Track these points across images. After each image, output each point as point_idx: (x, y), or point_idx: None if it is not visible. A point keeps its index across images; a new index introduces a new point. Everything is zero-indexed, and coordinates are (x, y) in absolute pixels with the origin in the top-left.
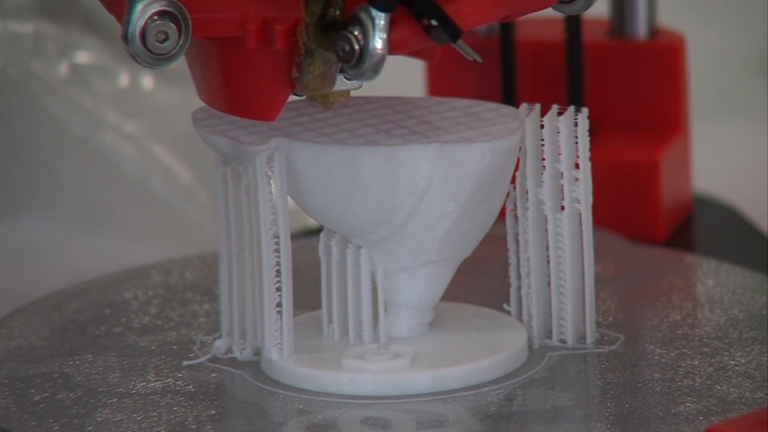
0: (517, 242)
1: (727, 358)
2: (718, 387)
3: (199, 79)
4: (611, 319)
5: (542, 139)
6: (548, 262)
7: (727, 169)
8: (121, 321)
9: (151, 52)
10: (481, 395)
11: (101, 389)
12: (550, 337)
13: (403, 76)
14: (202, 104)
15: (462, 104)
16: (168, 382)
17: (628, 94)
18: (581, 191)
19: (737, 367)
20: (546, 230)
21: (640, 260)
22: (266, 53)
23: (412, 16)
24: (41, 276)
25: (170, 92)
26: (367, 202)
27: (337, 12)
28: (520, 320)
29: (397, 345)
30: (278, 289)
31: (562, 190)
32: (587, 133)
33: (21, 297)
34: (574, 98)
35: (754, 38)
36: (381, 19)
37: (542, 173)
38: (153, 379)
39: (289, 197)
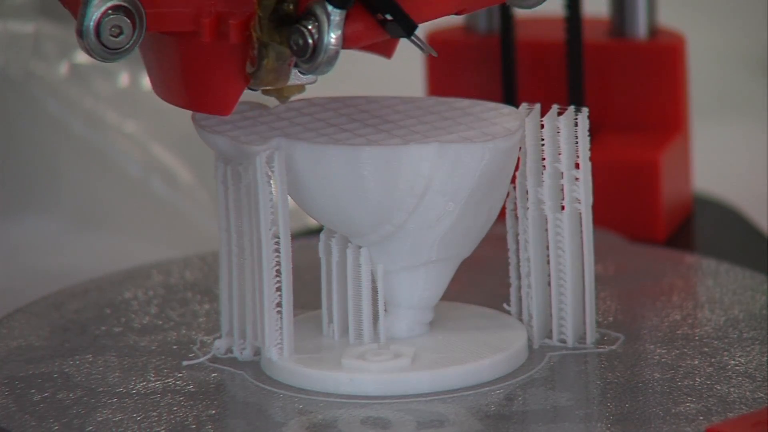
0: (517, 242)
1: (727, 358)
2: (718, 387)
3: (154, 74)
4: (611, 319)
5: (542, 139)
6: (548, 262)
7: (727, 169)
8: (121, 321)
9: (105, 46)
10: (481, 395)
11: (101, 389)
12: (550, 337)
13: (403, 76)
14: None
15: (462, 104)
16: (168, 382)
17: (628, 94)
18: (581, 191)
19: (737, 367)
20: (546, 230)
21: (640, 260)
22: (220, 47)
23: (366, 11)
24: (41, 276)
25: None
26: (367, 202)
27: (291, 6)
28: (520, 320)
29: (397, 345)
30: (278, 289)
31: (562, 190)
32: (587, 133)
33: (21, 297)
34: (574, 98)
35: (754, 38)
36: (336, 15)
37: (542, 173)
38: (153, 379)
39: (289, 197)
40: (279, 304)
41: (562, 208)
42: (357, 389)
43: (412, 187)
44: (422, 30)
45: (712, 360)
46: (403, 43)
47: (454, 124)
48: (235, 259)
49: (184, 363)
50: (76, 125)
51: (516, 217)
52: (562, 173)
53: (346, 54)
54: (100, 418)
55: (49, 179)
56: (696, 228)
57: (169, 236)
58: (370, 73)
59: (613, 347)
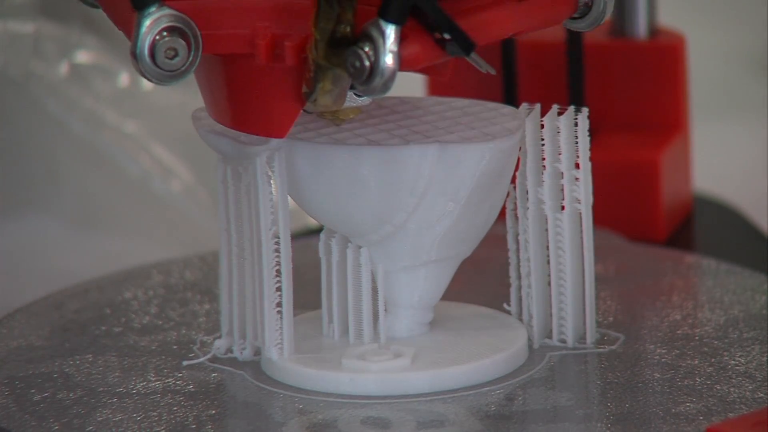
0: (517, 242)
1: (727, 358)
2: (718, 387)
3: (208, 96)
4: (611, 319)
5: (542, 139)
6: (548, 262)
7: (727, 169)
8: (121, 321)
9: (161, 68)
10: (481, 395)
11: (101, 389)
12: (550, 337)
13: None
14: (203, 104)
15: (462, 104)
16: (168, 382)
17: (628, 94)
18: (581, 191)
19: (737, 367)
20: (546, 230)
21: (640, 260)
22: (276, 69)
23: (422, 33)
24: (41, 276)
25: (170, 92)
26: (367, 202)
27: (348, 28)
28: (520, 320)
29: (397, 345)
30: (278, 289)
31: (562, 190)
32: (587, 133)
33: (21, 297)
34: (574, 98)
35: (754, 38)
36: (391, 33)
37: (542, 173)
38: (153, 379)
39: (289, 197)
40: (279, 304)
41: (562, 208)
42: (357, 389)
43: (412, 187)
44: None
45: (712, 360)
46: None
47: (454, 124)
48: (235, 259)
49: (184, 363)
50: (76, 125)
51: (516, 217)
52: (562, 173)
53: None
54: (100, 418)
55: (49, 179)
56: (696, 228)
57: (169, 236)
58: None
59: (613, 347)
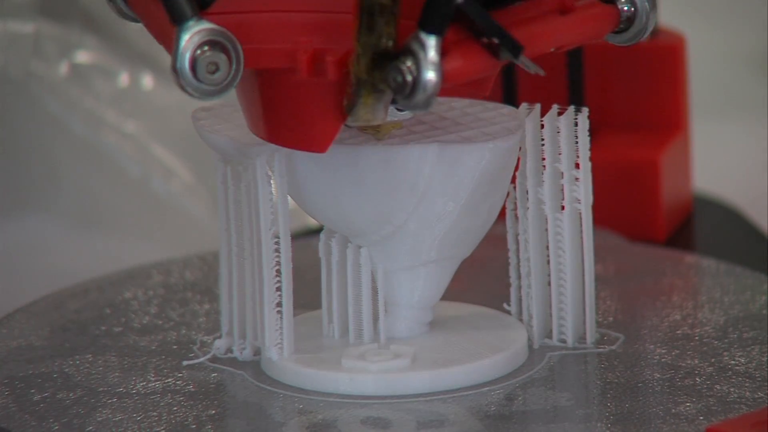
0: (517, 242)
1: (727, 358)
2: (718, 387)
3: (248, 110)
4: (611, 319)
5: (542, 139)
6: (548, 262)
7: (727, 169)
8: (121, 321)
9: (202, 83)
10: (481, 395)
11: (101, 389)
12: (550, 337)
13: None
14: (202, 104)
15: (461, 104)
16: (168, 382)
17: (628, 94)
18: (581, 191)
19: (737, 367)
20: (546, 230)
21: (640, 260)
22: (317, 84)
23: (465, 46)
24: (41, 276)
25: (170, 92)
26: (367, 202)
27: (390, 43)
28: (520, 320)
29: (397, 345)
30: (278, 289)
31: (562, 190)
32: (587, 133)
33: (21, 297)
34: (574, 98)
35: (754, 38)
36: (432, 44)
37: (542, 173)
38: (153, 379)
39: (289, 197)
40: (279, 304)
41: (562, 208)
42: (357, 389)
43: (412, 187)
44: None
45: (712, 360)
46: None
47: (453, 123)
48: (235, 259)
49: (184, 363)
50: (76, 125)
51: (516, 217)
52: (562, 173)
53: None
54: (100, 418)
55: (49, 179)
56: (696, 228)
57: (169, 236)
58: None
59: (613, 347)
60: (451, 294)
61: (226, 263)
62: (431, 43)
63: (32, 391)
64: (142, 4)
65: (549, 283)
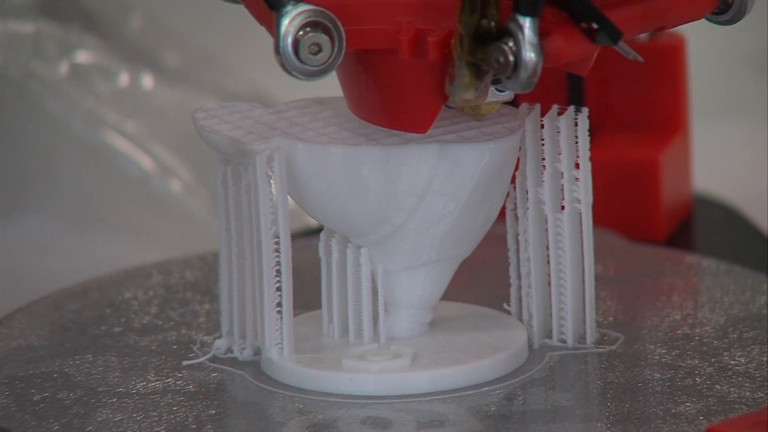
0: (517, 242)
1: (727, 358)
2: (718, 387)
3: (349, 92)
4: (611, 319)
5: (542, 139)
6: (548, 262)
7: (727, 169)
8: (121, 321)
9: (306, 64)
10: (481, 395)
11: (101, 389)
12: (550, 336)
13: None
14: (202, 104)
15: None
16: (168, 382)
17: (628, 94)
18: (581, 191)
19: (737, 367)
20: (546, 230)
21: (640, 260)
22: (419, 65)
23: (567, 27)
24: (41, 276)
25: (170, 92)
26: (367, 202)
27: (492, 23)
28: (520, 320)
29: (397, 345)
30: (278, 289)
31: (562, 189)
32: (587, 133)
33: (21, 297)
34: (574, 98)
35: (754, 38)
36: (529, 25)
37: (542, 173)
38: (153, 379)
39: (289, 197)
40: (279, 304)
41: (562, 208)
42: (357, 389)
43: (412, 187)
44: None
45: (712, 360)
46: None
47: (453, 123)
48: (235, 259)
49: (184, 363)
50: (76, 125)
51: (516, 217)
52: (562, 173)
53: None
54: (100, 418)
55: (49, 179)
56: (696, 228)
57: (169, 236)
58: None
59: (613, 347)
60: (451, 294)
61: (226, 263)
62: (527, 24)
63: (32, 391)
64: None
65: (549, 283)
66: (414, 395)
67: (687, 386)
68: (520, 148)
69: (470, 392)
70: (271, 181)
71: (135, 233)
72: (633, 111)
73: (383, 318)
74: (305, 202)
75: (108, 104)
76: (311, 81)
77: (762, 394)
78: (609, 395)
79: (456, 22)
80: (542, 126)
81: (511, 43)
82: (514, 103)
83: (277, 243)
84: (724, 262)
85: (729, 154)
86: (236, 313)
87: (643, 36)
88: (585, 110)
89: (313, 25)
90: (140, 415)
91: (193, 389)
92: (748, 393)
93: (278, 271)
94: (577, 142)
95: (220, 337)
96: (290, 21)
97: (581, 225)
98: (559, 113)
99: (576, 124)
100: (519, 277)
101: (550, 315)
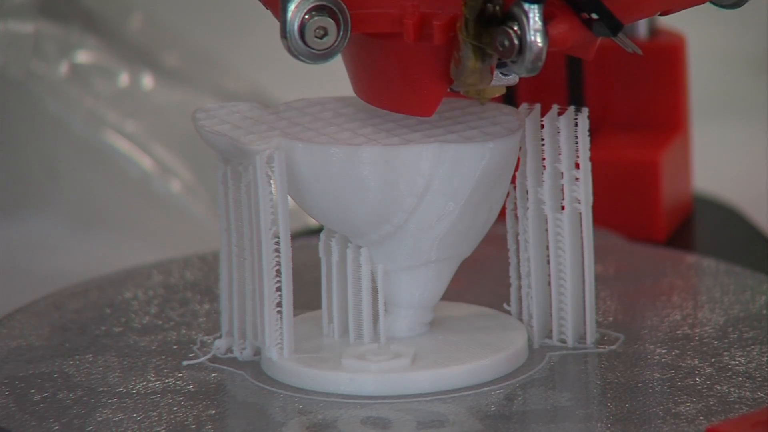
0: (517, 242)
1: (727, 358)
2: (718, 387)
3: (354, 76)
4: (611, 319)
5: (542, 139)
6: (548, 262)
7: (727, 169)
8: (121, 321)
9: (311, 47)
10: (481, 395)
11: (101, 389)
12: (550, 336)
13: None
14: (202, 104)
15: (462, 104)
16: (168, 382)
17: (628, 94)
18: (581, 191)
19: (737, 367)
20: (546, 230)
21: (640, 260)
22: (424, 48)
23: (571, 12)
24: (41, 276)
25: (170, 92)
26: (367, 202)
27: (497, 7)
28: (520, 320)
29: (398, 345)
30: (278, 289)
31: (562, 190)
32: (587, 133)
33: (21, 297)
34: (574, 98)
35: (754, 38)
36: (534, 11)
37: (542, 173)
38: (153, 379)
39: (289, 197)
40: (279, 304)
41: (562, 208)
42: (357, 389)
43: (412, 187)
44: None
45: (712, 360)
46: None
47: (454, 123)
48: (235, 259)
49: (184, 363)
50: (76, 125)
51: (516, 217)
52: (562, 173)
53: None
54: (100, 418)
55: (49, 179)
56: (696, 228)
57: (169, 236)
58: None
59: (613, 347)
60: (451, 294)
61: (226, 263)
62: (533, 9)
63: (32, 391)
64: None
65: (549, 283)
66: (414, 395)
67: (687, 386)
68: (520, 148)
69: (470, 392)
70: (271, 181)
71: (135, 233)
72: (633, 111)
73: (383, 318)
74: (305, 202)
75: (108, 104)
76: (317, 64)
77: (762, 394)
78: (609, 395)
79: (461, 6)
80: (542, 126)
81: (516, 27)
82: (515, 103)
83: (277, 243)
84: (724, 262)
85: (729, 154)
86: (236, 313)
87: (642, 36)
88: (585, 110)
89: (318, 9)
90: (140, 415)
91: (193, 389)
92: (748, 393)
93: (278, 271)
94: (577, 142)
95: (220, 337)
96: (297, 5)
97: (581, 225)
98: (559, 113)
99: (576, 124)
100: (519, 277)
101: (550, 315)
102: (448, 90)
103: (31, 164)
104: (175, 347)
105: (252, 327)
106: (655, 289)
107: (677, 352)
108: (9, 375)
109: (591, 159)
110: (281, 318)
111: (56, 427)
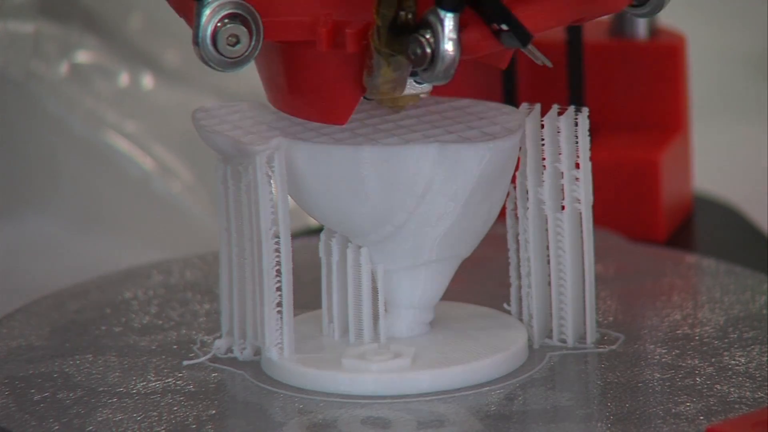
0: (517, 242)
1: (727, 358)
2: (718, 387)
3: (268, 83)
4: (611, 319)
5: (542, 139)
6: (548, 262)
7: (727, 169)
8: (121, 321)
9: (223, 55)
10: (481, 395)
11: (101, 389)
12: (550, 336)
13: None
14: (202, 104)
15: (462, 104)
16: (168, 382)
17: (628, 94)
18: (581, 191)
19: (737, 367)
20: (546, 230)
21: (640, 260)
22: (337, 57)
23: (482, 23)
24: (41, 276)
25: (170, 92)
26: (368, 202)
27: (409, 15)
28: (520, 320)
29: (398, 345)
30: (278, 289)
31: (563, 189)
32: (587, 133)
33: (21, 297)
34: (574, 98)
35: (754, 38)
36: (450, 20)
37: (542, 173)
38: (153, 379)
39: (289, 197)
40: (279, 304)
41: (562, 208)
42: (357, 389)
43: (413, 187)
44: None
45: (712, 360)
46: None
47: (454, 123)
48: (235, 259)
49: (184, 363)
50: (76, 125)
51: (516, 217)
52: (562, 173)
53: None
54: (100, 418)
55: (49, 179)
56: (696, 228)
57: (169, 236)
58: None
59: (613, 347)
60: (451, 294)
61: (226, 263)
62: (448, 18)
63: (32, 391)
64: None
65: (549, 283)
66: (414, 395)
67: (687, 386)
68: (520, 148)
69: (470, 392)
70: (271, 181)
71: (135, 233)
72: (633, 111)
73: (383, 318)
74: (305, 202)
75: (108, 104)
76: (227, 72)
77: (762, 394)
78: (609, 395)
79: (374, 14)
80: (542, 126)
81: (428, 35)
82: (515, 103)
83: (277, 243)
84: (724, 262)
85: (729, 154)
86: (236, 313)
87: (643, 36)
88: (585, 110)
89: (231, 16)
90: (140, 415)
91: (193, 389)
92: (748, 393)
93: (278, 271)
94: (577, 142)
95: (220, 337)
96: (211, 11)
97: (581, 225)
98: (559, 113)
99: (576, 124)
100: (519, 277)
101: (550, 315)
102: (363, 98)
103: (31, 164)
104: (175, 347)
105: (252, 327)
106: (655, 289)
107: (677, 352)
108: (9, 375)
109: (591, 159)
110: (281, 318)
111: (56, 427)
